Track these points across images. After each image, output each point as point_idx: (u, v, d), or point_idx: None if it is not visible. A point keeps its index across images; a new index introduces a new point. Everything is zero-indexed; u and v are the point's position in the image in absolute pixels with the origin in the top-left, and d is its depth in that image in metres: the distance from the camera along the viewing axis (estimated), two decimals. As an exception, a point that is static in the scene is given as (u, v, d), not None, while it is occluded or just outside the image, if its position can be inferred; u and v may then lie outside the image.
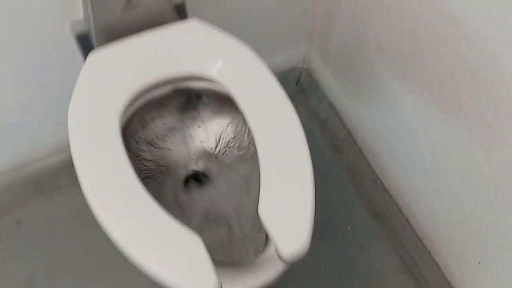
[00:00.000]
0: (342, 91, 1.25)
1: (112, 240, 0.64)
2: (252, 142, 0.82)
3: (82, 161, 0.69)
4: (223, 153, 0.87)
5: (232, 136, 0.86)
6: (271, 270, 0.64)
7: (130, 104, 0.75)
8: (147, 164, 0.84)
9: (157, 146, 0.85)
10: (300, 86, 1.40)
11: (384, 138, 1.12)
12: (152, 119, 0.84)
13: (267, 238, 0.68)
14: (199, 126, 0.87)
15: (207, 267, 0.60)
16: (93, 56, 0.76)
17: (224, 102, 0.83)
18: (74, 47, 0.89)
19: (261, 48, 0.78)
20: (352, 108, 1.23)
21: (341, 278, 1.11)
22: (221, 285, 0.61)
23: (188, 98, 0.84)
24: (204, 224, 0.80)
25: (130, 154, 0.79)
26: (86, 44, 0.85)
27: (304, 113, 1.36)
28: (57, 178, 1.20)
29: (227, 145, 0.86)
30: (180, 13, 0.88)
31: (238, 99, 0.75)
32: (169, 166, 0.86)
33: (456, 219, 0.94)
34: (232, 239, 0.78)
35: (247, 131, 0.84)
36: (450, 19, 0.76)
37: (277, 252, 0.63)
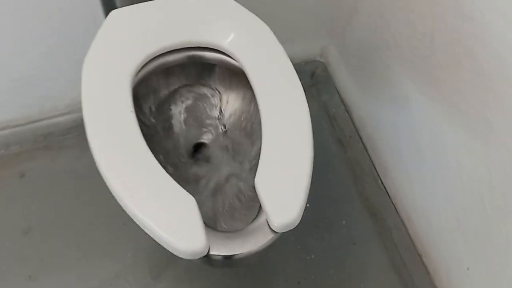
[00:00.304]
0: (355, 88, 1.26)
1: (111, 191, 0.66)
2: (258, 118, 0.83)
3: (91, 113, 0.71)
4: (229, 127, 0.88)
5: (240, 110, 0.87)
6: (260, 239, 0.65)
7: (144, 65, 0.77)
8: (153, 128, 0.86)
9: (165, 112, 0.87)
10: (314, 79, 1.41)
11: (390, 138, 1.13)
12: (164, 85, 0.86)
13: (260, 209, 0.69)
14: (209, 98, 0.89)
15: (198, 227, 0.62)
16: (115, 13, 0.78)
17: (236, 77, 0.84)
18: (97, 5, 0.91)
19: (281, 36, 0.80)
20: (363, 105, 1.24)
21: (330, 270, 1.12)
22: (209, 247, 0.62)
23: (201, 68, 0.86)
24: (201, 191, 0.82)
25: (138, 115, 0.81)
26: (109, 3, 0.86)
27: (315, 106, 1.37)
28: (66, 137, 1.23)
29: (234, 119, 0.88)
30: (205, -14, 0.89)
31: (249, 73, 0.76)
32: (174, 133, 0.88)
33: (449, 223, 0.94)
34: (226, 208, 0.79)
35: (254, 107, 0.85)
36: (469, 21, 0.77)
37: (267, 222, 0.65)
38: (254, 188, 0.66)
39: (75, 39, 1.03)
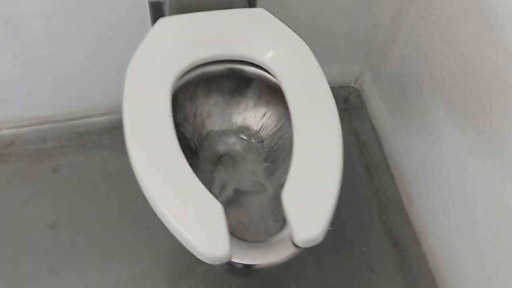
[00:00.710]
0: (387, 116, 1.27)
1: (143, 189, 0.67)
2: (290, 134, 0.85)
3: (131, 113, 0.73)
4: (260, 141, 0.90)
5: (273, 126, 0.89)
6: (281, 252, 0.65)
7: (185, 73, 0.80)
8: (187, 134, 0.88)
9: (199, 120, 0.89)
10: (347, 105, 1.42)
11: (417, 169, 1.13)
12: (202, 94, 0.88)
13: (284, 222, 0.70)
14: (245, 111, 0.91)
15: (223, 234, 0.63)
16: (162, 21, 0.81)
17: (272, 93, 0.86)
18: (145, 13, 0.94)
19: (318, 59, 0.82)
20: (393, 134, 1.24)
21: (347, 295, 1.11)
22: (231, 256, 0.63)
23: (240, 82, 0.88)
24: (227, 200, 0.83)
25: (175, 120, 0.83)
26: (157, 11, 0.90)
27: (346, 131, 1.37)
28: (101, 137, 1.27)
29: (266, 134, 0.89)
30: (250, 3, 0.92)
31: (285, 90, 0.78)
32: (206, 141, 0.90)
33: (471, 256, 0.93)
34: (251, 219, 0.80)
35: (287, 124, 0.87)
36: (506, 56, 0.77)
37: (290, 236, 0.65)
38: (280, 201, 0.67)
39: (119, 44, 1.07)
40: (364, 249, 1.18)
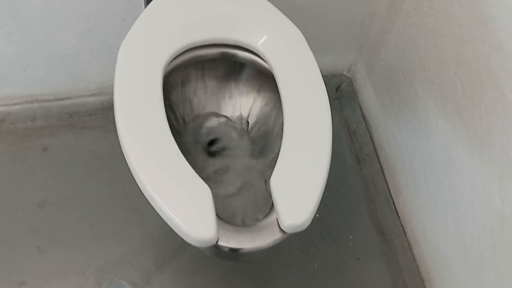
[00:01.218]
0: (378, 106, 1.28)
1: (131, 169, 0.67)
2: (279, 121, 0.85)
3: (121, 94, 0.73)
4: (251, 126, 0.90)
5: (264, 111, 0.89)
6: (268, 237, 0.66)
7: (177, 55, 0.80)
8: (177, 117, 0.88)
9: (190, 104, 0.89)
10: (339, 93, 1.42)
11: (406, 160, 1.14)
12: (194, 78, 0.88)
13: (271, 207, 0.71)
14: (235, 96, 0.91)
15: (210, 217, 0.64)
16: (155, 2, 0.81)
17: (265, 79, 0.86)
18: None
19: (311, 47, 0.82)
20: (384, 125, 1.25)
21: (331, 282, 1.13)
22: (217, 238, 0.64)
23: (232, 67, 0.88)
24: (216, 186, 0.83)
25: (166, 103, 0.83)
26: (152, -7, 0.89)
27: (336, 120, 1.39)
28: (91, 118, 1.26)
29: (257, 119, 0.90)
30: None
31: (277, 76, 0.78)
32: (196, 126, 0.90)
33: (456, 250, 0.95)
34: (240, 203, 0.81)
35: (279, 110, 0.87)
36: (498, 50, 0.78)
37: (278, 221, 0.66)
38: (268, 187, 0.68)
39: (112, 25, 1.07)
40: (351, 237, 1.19)
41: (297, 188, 0.68)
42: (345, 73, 1.42)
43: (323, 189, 0.69)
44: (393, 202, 1.22)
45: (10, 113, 1.23)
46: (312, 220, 1.18)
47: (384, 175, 1.26)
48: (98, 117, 1.26)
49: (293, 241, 1.16)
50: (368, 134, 1.34)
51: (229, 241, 0.66)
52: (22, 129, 1.24)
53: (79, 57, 1.14)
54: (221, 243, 0.64)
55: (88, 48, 1.12)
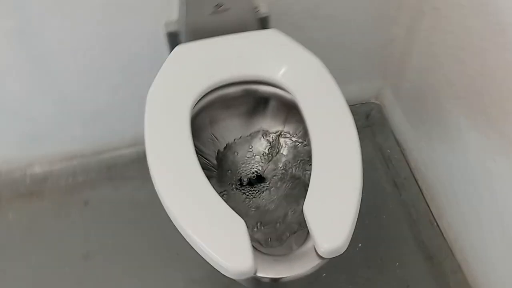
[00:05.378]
0: (409, 129, 1.26)
1: (166, 210, 0.69)
2: (307, 150, 0.86)
3: (153, 140, 0.76)
4: (282, 158, 0.91)
5: (292, 144, 0.90)
6: (307, 264, 0.66)
7: (202, 96, 0.82)
8: (208, 157, 0.90)
9: (219, 142, 0.91)
10: (369, 121, 1.42)
11: (445, 179, 1.12)
12: (221, 117, 0.90)
13: (307, 235, 0.70)
14: (263, 131, 0.92)
15: (246, 249, 0.64)
16: (179, 48, 0.85)
17: (289, 110, 0.88)
18: (163, 44, 0.98)
19: (337, 77, 0.83)
20: (417, 146, 1.23)
21: (381, 311, 1.09)
22: (256, 270, 0.64)
23: (257, 102, 0.90)
24: (253, 221, 0.84)
25: (195, 143, 0.85)
26: (174, 41, 0.94)
27: (369, 147, 1.38)
28: (128, 169, 1.30)
29: (287, 151, 0.90)
30: (263, 25, 0.95)
31: (301, 105, 0.79)
32: (227, 163, 0.91)
33: (508, 264, 0.91)
34: (276, 235, 0.81)
35: (305, 139, 0.88)
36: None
37: (314, 247, 0.66)
38: (302, 215, 0.68)
39: (140, 77, 1.11)
40: (397, 263, 1.16)
41: (331, 212, 0.67)
42: (373, 100, 1.42)
43: (358, 210, 0.68)
44: (437, 224, 1.19)
45: (52, 172, 1.28)
46: (356, 250, 1.16)
47: (424, 197, 1.24)
48: (135, 167, 1.29)
49: (338, 273, 1.14)
50: (403, 158, 1.32)
51: (267, 271, 0.65)
52: (64, 185, 1.28)
53: (112, 111, 1.19)
54: (260, 274, 0.64)
55: (120, 101, 1.17)
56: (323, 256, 0.65)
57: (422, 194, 1.25)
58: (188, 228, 0.66)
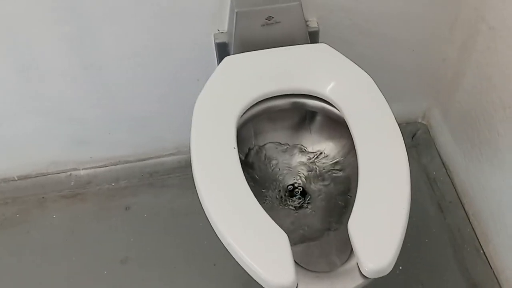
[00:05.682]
0: (457, 151, 1.23)
1: (209, 219, 0.69)
2: (355, 166, 0.84)
3: (198, 147, 0.76)
4: (326, 173, 0.90)
5: (338, 158, 0.89)
6: (349, 283, 0.64)
7: (249, 108, 0.82)
8: (254, 167, 0.90)
9: (265, 154, 0.91)
10: (415, 141, 1.39)
11: (493, 205, 1.07)
12: (267, 128, 0.90)
13: (351, 252, 0.69)
14: (309, 144, 0.91)
15: (288, 264, 0.63)
16: (227, 59, 0.85)
17: (336, 126, 0.86)
18: (212, 54, 0.99)
19: (384, 95, 0.82)
20: (465, 169, 1.19)
21: None
22: (297, 285, 0.63)
23: (304, 115, 0.89)
24: (295, 235, 0.83)
25: (240, 154, 0.85)
26: (223, 52, 0.95)
27: (414, 168, 1.34)
28: (170, 177, 1.32)
29: (331, 166, 0.89)
30: (313, 39, 0.94)
31: (349, 122, 0.78)
32: (272, 173, 0.91)
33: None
34: (318, 250, 0.79)
35: (353, 156, 0.86)
36: None
37: (358, 266, 0.64)
38: (346, 232, 0.66)
39: (188, 87, 1.12)
40: (440, 290, 1.12)
41: (377, 231, 0.66)
42: (420, 120, 1.39)
43: (405, 231, 0.66)
44: (483, 251, 1.14)
45: (96, 175, 1.31)
46: (396, 273, 1.12)
47: (470, 222, 1.19)
48: (176, 175, 1.31)
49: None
50: (449, 180, 1.28)
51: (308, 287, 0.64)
52: (106, 189, 1.30)
53: (159, 119, 1.21)
54: (301, 289, 0.63)
55: (167, 110, 1.19)
56: (367, 276, 0.63)
57: (468, 219, 1.20)
58: (230, 238, 0.66)
